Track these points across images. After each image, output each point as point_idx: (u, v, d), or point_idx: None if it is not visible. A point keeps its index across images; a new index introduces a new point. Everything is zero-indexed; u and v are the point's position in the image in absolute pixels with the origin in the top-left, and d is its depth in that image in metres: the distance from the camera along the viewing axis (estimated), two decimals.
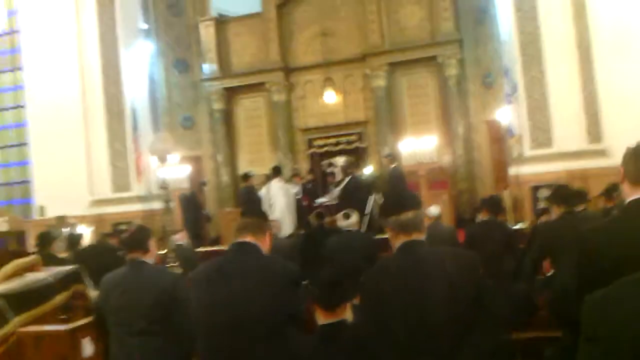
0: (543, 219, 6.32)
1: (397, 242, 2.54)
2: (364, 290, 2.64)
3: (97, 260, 6.15)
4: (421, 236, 2.55)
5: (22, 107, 13.99)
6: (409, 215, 2.52)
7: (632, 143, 2.14)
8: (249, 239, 2.82)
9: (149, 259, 3.52)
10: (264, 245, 2.86)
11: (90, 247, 7.80)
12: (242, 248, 2.81)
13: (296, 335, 2.76)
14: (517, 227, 9.51)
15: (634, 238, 2.04)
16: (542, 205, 8.81)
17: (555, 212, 4.77)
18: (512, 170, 10.91)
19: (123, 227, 9.98)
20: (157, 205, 12.43)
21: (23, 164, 14.09)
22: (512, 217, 10.31)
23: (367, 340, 2.81)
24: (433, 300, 2.37)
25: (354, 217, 6.46)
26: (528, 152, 10.37)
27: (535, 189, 10.14)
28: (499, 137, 12.76)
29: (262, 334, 2.60)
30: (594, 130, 9.90)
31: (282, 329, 2.64)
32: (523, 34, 10.30)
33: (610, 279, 1.70)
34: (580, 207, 5.28)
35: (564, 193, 4.68)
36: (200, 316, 2.76)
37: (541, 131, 10.23)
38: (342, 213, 6.75)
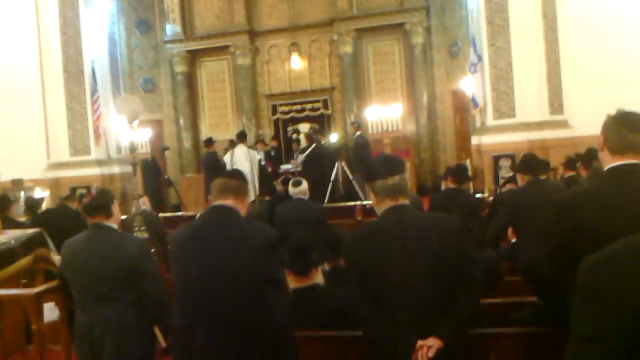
0: (508, 187, 6.41)
1: (383, 206, 2.54)
2: (347, 254, 2.64)
3: (57, 224, 6.00)
4: (406, 201, 2.55)
5: None
6: (395, 179, 2.51)
7: (612, 112, 2.16)
8: (230, 201, 2.77)
9: (112, 223, 3.43)
10: (243, 208, 2.82)
11: (50, 211, 7.61)
12: (223, 211, 2.76)
13: (278, 298, 2.76)
14: (478, 195, 9.67)
15: (614, 204, 2.08)
16: (505, 174, 8.98)
17: (521, 181, 4.85)
18: (474, 140, 11.04)
19: (82, 191, 9.76)
20: (116, 169, 12.19)
21: None
22: (473, 186, 10.47)
23: (343, 305, 2.84)
24: (416, 266, 2.39)
25: (304, 185, 6.46)
26: (490, 122, 10.50)
27: (497, 158, 10.31)
28: (463, 107, 12.88)
29: (241, 297, 2.58)
30: (556, 102, 10.08)
31: (262, 292, 2.62)
32: (490, 2, 10.33)
33: (588, 243, 1.73)
34: (543, 176, 5.39)
35: (531, 162, 4.74)
36: (179, 278, 2.72)
37: (504, 102, 10.36)
38: (292, 180, 6.76)
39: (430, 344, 2.32)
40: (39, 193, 10.75)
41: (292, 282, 3.26)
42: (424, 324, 2.37)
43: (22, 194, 10.47)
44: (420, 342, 2.33)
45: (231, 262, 2.59)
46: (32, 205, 7.47)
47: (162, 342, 3.38)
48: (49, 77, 12.42)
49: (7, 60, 12.32)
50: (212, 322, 2.58)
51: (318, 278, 3.32)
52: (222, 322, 2.58)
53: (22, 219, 7.11)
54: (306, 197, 6.54)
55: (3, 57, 12.38)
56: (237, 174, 2.95)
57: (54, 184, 11.96)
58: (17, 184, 11.26)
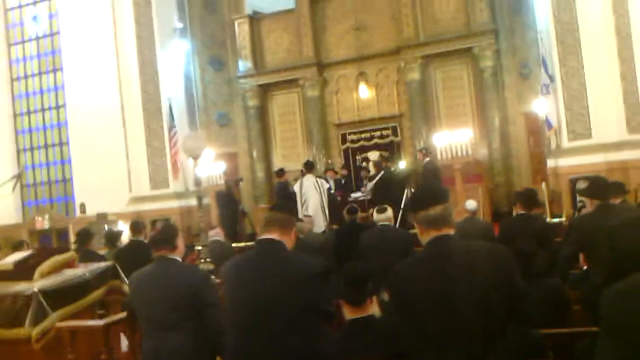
0: (584, 211, 6.16)
1: (426, 237, 2.51)
2: (392, 286, 2.60)
3: (134, 257, 6.26)
4: (451, 231, 2.50)
5: (62, 107, 14.38)
6: (437, 209, 2.47)
7: None
8: (275, 234, 2.84)
9: (177, 255, 3.58)
10: (289, 241, 2.88)
11: (129, 244, 7.96)
12: (267, 244, 2.84)
13: (322, 329, 2.78)
14: (554, 220, 9.34)
15: None
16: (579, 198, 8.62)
17: (591, 205, 4.66)
18: (550, 163, 10.72)
19: (159, 224, 10.15)
20: (194, 201, 12.63)
21: (64, 162, 14.49)
22: (550, 210, 10.12)
23: (396, 336, 2.81)
24: (463, 298, 2.34)
25: (389, 212, 6.38)
26: (566, 143, 10.18)
27: (574, 181, 9.93)
28: (536, 129, 12.53)
29: (282, 328, 2.63)
30: (634, 121, 9.65)
31: (304, 323, 2.65)
32: (560, 23, 10.09)
33: (629, 271, 1.67)
34: (617, 200, 5.15)
35: (599, 185, 4.55)
36: (229, 310, 2.81)
37: (579, 122, 10.03)
38: (376, 207, 6.68)
39: None
40: (121, 226, 11.27)
41: (347, 313, 3.25)
42: (473, 356, 2.31)
43: (105, 227, 10.99)
44: None
45: (271, 294, 2.65)
46: (112, 238, 7.84)
47: None
48: (130, 114, 13.13)
49: (90, 100, 13.14)
50: (258, 352, 2.64)
51: (374, 309, 3.30)
52: (266, 353, 2.63)
53: (103, 251, 7.48)
54: (391, 223, 6.49)
55: (87, 97, 13.21)
56: (283, 207, 3.03)
57: (135, 217, 12.49)
58: (101, 217, 11.89)
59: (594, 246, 4.21)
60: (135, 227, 7.19)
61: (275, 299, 2.65)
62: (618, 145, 9.66)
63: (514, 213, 6.72)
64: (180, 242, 3.65)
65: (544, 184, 10.35)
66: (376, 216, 6.43)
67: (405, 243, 6.15)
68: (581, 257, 4.89)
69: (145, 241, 7.52)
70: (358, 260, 5.93)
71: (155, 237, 3.63)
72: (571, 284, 4.67)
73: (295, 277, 2.67)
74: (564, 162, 10.18)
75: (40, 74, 14.90)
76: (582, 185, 9.33)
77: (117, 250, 7.35)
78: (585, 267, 4.89)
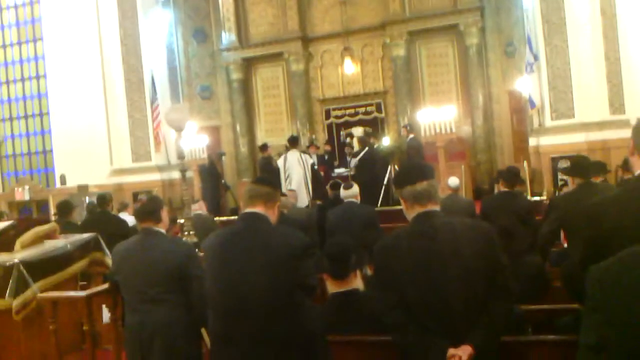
0: (565, 190, 6.22)
1: (412, 213, 2.52)
2: (377, 261, 2.62)
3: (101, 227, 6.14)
4: (436, 207, 2.52)
5: (42, 77, 14.12)
6: (423, 185, 2.48)
7: None
8: (259, 208, 2.81)
9: (161, 228, 3.56)
10: (273, 215, 2.86)
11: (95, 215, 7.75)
12: (252, 219, 2.81)
13: (308, 304, 2.78)
14: (535, 199, 9.44)
15: (635, 210, 2.00)
16: (564, 176, 8.72)
17: (573, 184, 4.70)
18: (532, 141, 10.79)
19: (142, 196, 10.10)
20: (176, 175, 12.55)
21: (44, 133, 14.28)
22: (531, 189, 10.22)
23: (380, 311, 2.83)
24: (447, 273, 2.36)
25: (355, 188, 6.44)
26: (549, 122, 10.24)
27: (556, 160, 10.03)
28: (520, 108, 12.58)
29: (267, 304, 2.62)
30: (617, 101, 9.73)
31: (292, 299, 2.65)
32: (546, 1, 10.09)
33: (608, 250, 1.69)
34: (599, 179, 5.21)
35: (581, 164, 4.58)
36: (211, 286, 2.79)
37: (562, 101, 10.08)
38: (343, 184, 6.74)
39: (462, 353, 2.30)
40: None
41: (331, 287, 3.25)
42: (456, 331, 2.34)
43: (86, 199, 10.90)
44: (452, 351, 2.32)
45: (256, 270, 2.63)
46: (93, 209, 7.76)
47: (208, 344, 3.47)
48: (111, 86, 12.93)
49: (71, 71, 12.91)
50: (242, 329, 2.63)
51: (357, 283, 3.32)
52: (251, 329, 2.61)
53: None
54: (357, 200, 6.54)
55: (68, 68, 12.97)
56: (267, 180, 3.00)
57: (117, 189, 12.41)
58: (83, 189, 11.76)
59: (575, 224, 4.26)
60: (102, 199, 7.15)
61: (262, 275, 2.63)
62: (600, 125, 9.74)
63: (496, 190, 6.79)
64: (165, 215, 3.64)
65: (525, 163, 10.43)
66: (343, 192, 6.48)
67: (370, 219, 6.26)
68: (562, 235, 4.94)
69: (112, 212, 7.48)
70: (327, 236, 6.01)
71: (140, 209, 3.61)
72: (551, 261, 4.74)
73: (281, 253, 2.65)
74: (546, 141, 10.24)
75: (19, 43, 14.57)
76: (564, 164, 9.47)
77: (83, 220, 7.30)
78: (565, 245, 4.95)
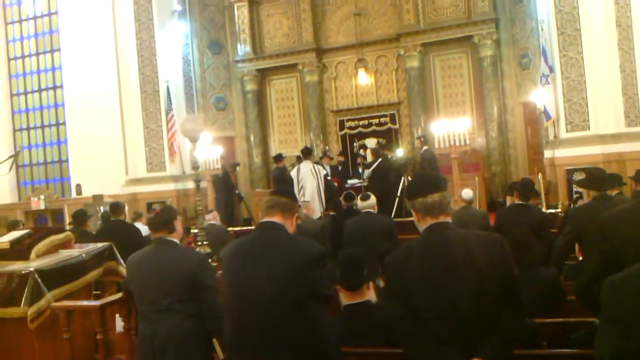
0: (580, 202, 6.17)
1: (424, 224, 2.51)
2: (389, 273, 2.61)
3: (115, 236, 6.19)
4: (448, 218, 2.51)
5: (59, 87, 14.31)
6: (435, 197, 2.47)
7: None
8: (276, 218, 2.83)
9: (175, 238, 3.57)
10: (291, 226, 2.86)
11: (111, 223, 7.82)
12: (269, 228, 2.82)
13: (324, 314, 2.77)
14: (551, 211, 9.37)
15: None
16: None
17: (588, 196, 4.66)
18: (547, 154, 10.73)
19: (156, 206, 10.15)
20: (190, 185, 12.61)
21: (60, 143, 14.45)
22: (546, 201, 10.15)
23: (391, 322, 2.81)
24: (459, 286, 2.35)
25: (372, 199, 6.47)
26: (564, 134, 10.19)
27: (571, 172, 9.97)
28: (534, 120, 12.53)
29: (281, 312, 2.62)
30: (632, 113, 9.67)
31: (303, 307, 2.64)
32: (561, 13, 10.06)
33: (621, 261, 1.68)
34: (615, 191, 5.16)
35: (597, 176, 4.55)
36: (227, 294, 2.80)
37: (578, 113, 10.03)
38: (360, 195, 6.76)
39: None
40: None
41: (344, 298, 3.25)
42: (468, 343, 2.33)
43: (101, 208, 10.99)
44: None
45: (271, 278, 2.63)
46: (108, 219, 7.81)
47: (220, 354, 3.47)
48: (127, 96, 13.08)
49: (88, 82, 13.08)
50: (256, 337, 2.63)
51: (370, 294, 3.30)
52: (266, 337, 2.62)
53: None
54: (374, 210, 6.55)
55: (84, 78, 13.14)
56: (286, 191, 3.00)
57: (132, 199, 12.51)
58: (98, 199, 11.87)
59: (589, 237, 4.22)
60: (115, 208, 7.23)
61: (276, 283, 2.63)
62: (615, 137, 9.68)
63: (508, 202, 6.75)
64: (179, 225, 3.64)
65: (540, 175, 10.37)
66: (360, 203, 6.52)
67: (388, 229, 6.27)
68: (577, 247, 4.89)
69: (126, 220, 7.53)
70: (343, 246, 6.02)
71: (154, 219, 3.61)
72: (566, 274, 4.69)
73: (298, 262, 2.66)
74: (561, 153, 10.19)
75: (37, 54, 14.80)
76: (579, 176, 9.40)
77: (97, 229, 7.37)
78: (580, 258, 4.90)
